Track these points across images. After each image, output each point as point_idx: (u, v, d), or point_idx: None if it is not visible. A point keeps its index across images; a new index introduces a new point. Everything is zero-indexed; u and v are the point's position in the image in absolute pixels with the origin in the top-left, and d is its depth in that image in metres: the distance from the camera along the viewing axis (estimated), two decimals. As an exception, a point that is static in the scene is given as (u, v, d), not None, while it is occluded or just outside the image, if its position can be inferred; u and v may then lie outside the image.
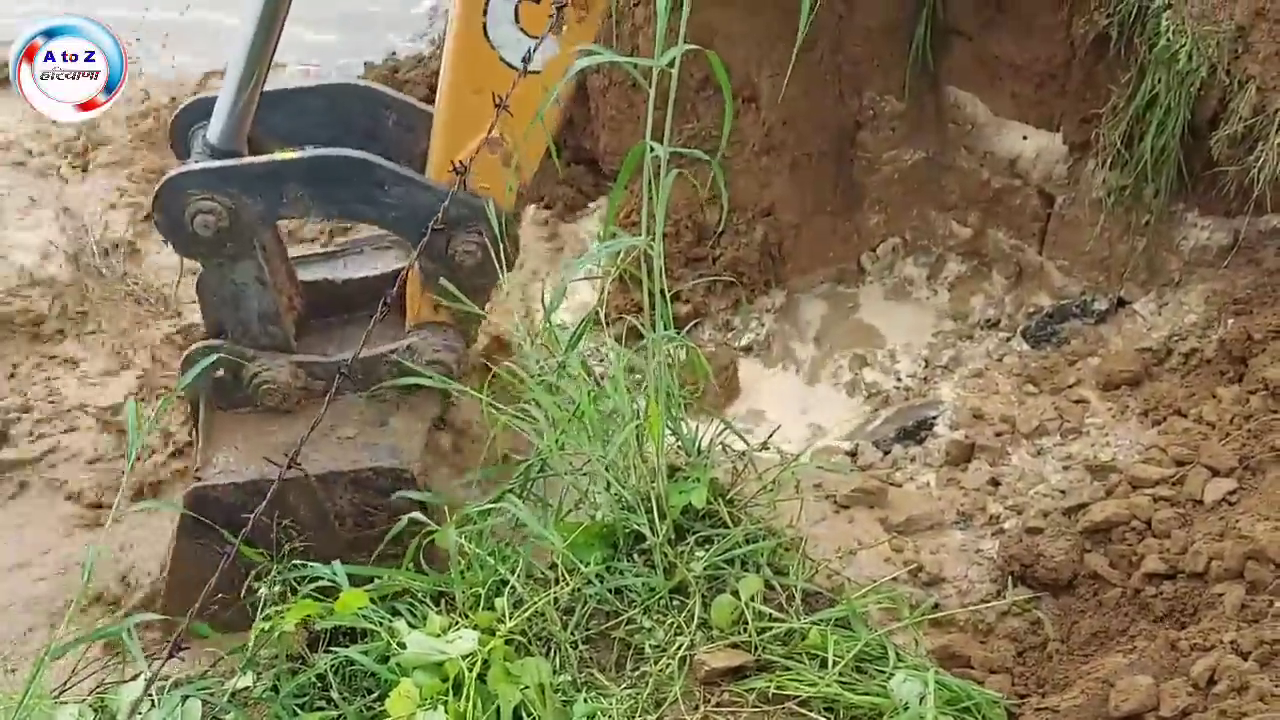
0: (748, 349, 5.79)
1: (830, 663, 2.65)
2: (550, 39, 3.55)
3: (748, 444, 3.36)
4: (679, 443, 3.22)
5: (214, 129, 3.80)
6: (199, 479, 3.77)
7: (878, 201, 5.93)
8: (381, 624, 2.88)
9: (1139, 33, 4.76)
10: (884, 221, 5.97)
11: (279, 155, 3.78)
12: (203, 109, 3.92)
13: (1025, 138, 5.55)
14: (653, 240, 2.96)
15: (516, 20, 3.59)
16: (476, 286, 3.86)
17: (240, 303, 3.84)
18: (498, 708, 2.62)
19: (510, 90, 3.44)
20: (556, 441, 3.18)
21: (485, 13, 3.57)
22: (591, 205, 6.32)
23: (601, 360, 3.43)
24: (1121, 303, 5.32)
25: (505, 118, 3.50)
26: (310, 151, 3.82)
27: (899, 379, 5.59)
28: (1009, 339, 5.59)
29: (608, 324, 3.33)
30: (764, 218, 5.80)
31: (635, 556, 3.02)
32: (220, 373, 3.86)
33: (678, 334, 3.13)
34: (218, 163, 3.72)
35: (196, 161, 3.77)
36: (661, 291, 3.04)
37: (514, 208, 3.88)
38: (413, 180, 3.74)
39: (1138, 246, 5.18)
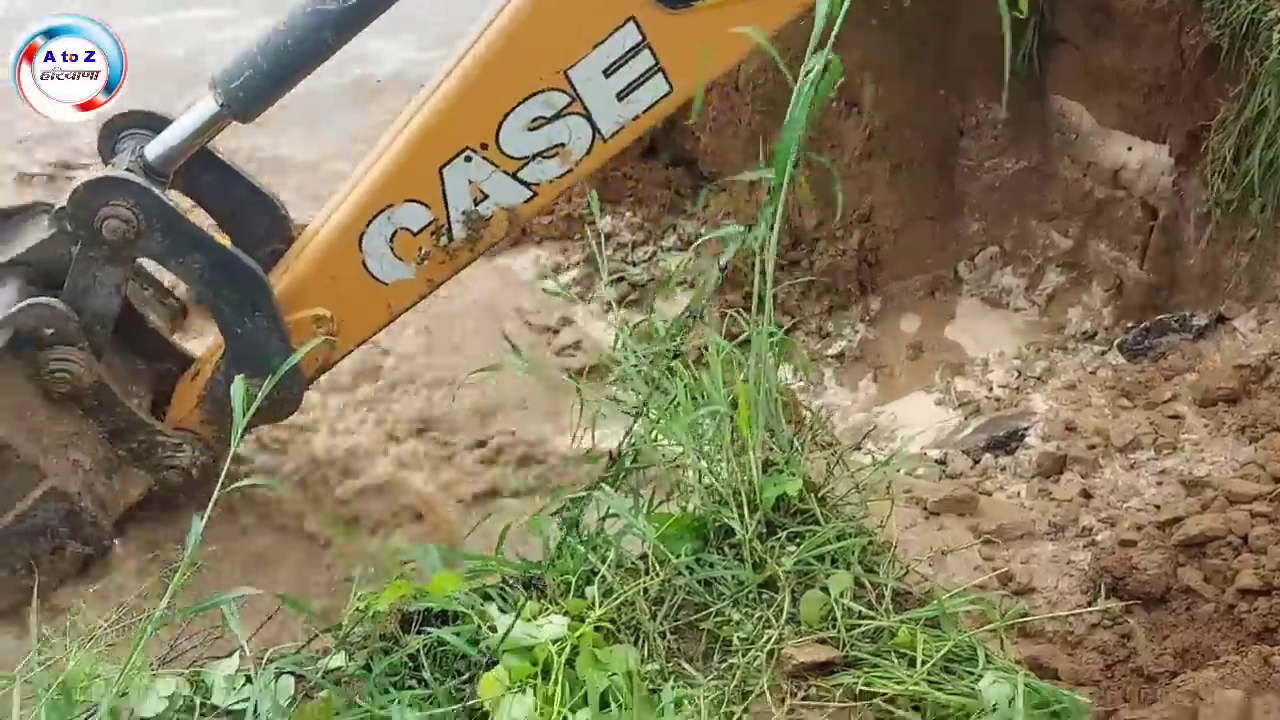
0: (840, 355, 5.77)
1: (919, 662, 2.64)
2: (411, 267, 4.07)
3: (839, 442, 3.36)
4: (773, 439, 3.22)
5: (156, 149, 4.00)
6: None
7: (978, 209, 5.90)
8: (473, 608, 2.90)
9: (1250, 45, 4.69)
10: (983, 229, 5.94)
11: (213, 234, 4.06)
12: (142, 120, 4.09)
13: (1130, 149, 5.49)
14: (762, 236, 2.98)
15: (390, 241, 4.02)
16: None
17: (90, 294, 3.97)
18: (585, 693, 2.64)
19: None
20: (651, 433, 3.20)
21: (367, 225, 4.00)
22: (689, 207, 6.34)
23: (699, 355, 3.44)
24: (1221, 319, 5.24)
25: (337, 297, 4.09)
26: (233, 249, 4.05)
27: (990, 388, 5.55)
28: (1104, 352, 5.53)
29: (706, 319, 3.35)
30: (862, 223, 5.79)
31: (725, 550, 3.02)
32: (48, 332, 3.93)
33: (778, 329, 3.14)
34: (160, 194, 3.90)
35: (129, 170, 3.93)
36: (766, 286, 3.05)
37: (311, 377, 4.33)
38: (278, 323, 4.04)
39: (1241, 262, 5.10)
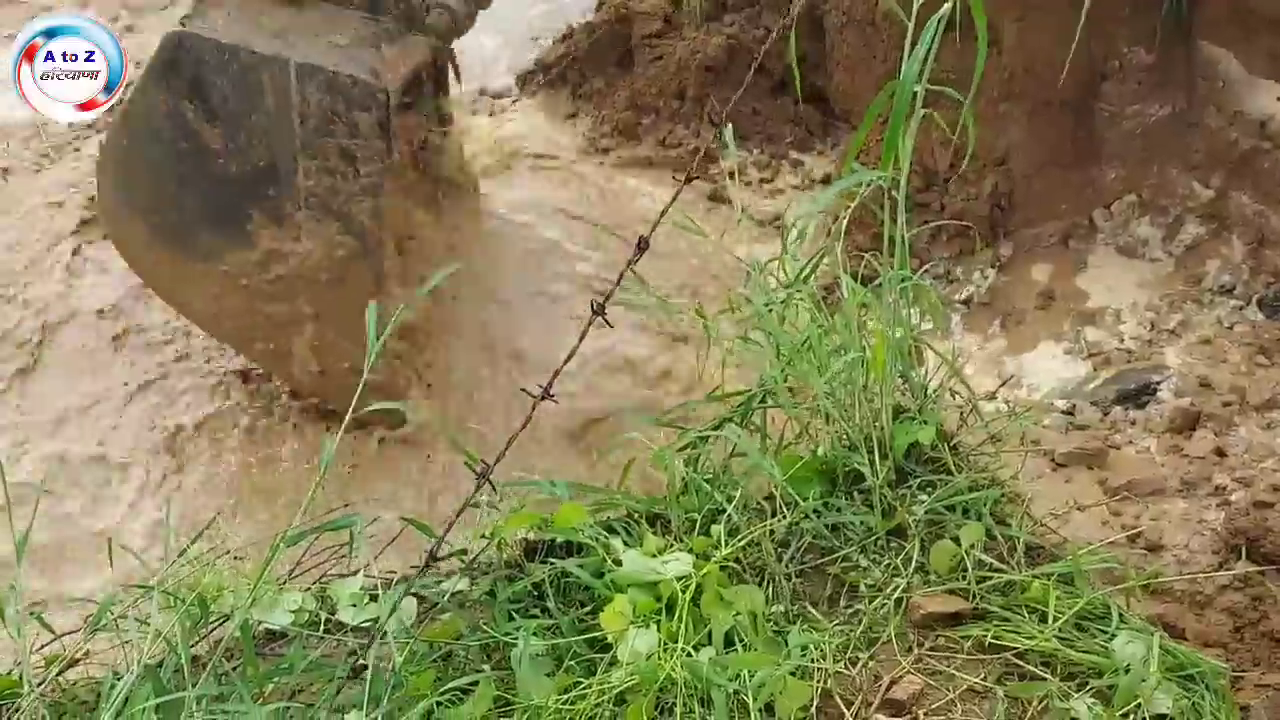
0: (968, 301, 5.68)
1: (1051, 618, 2.61)
2: None
3: (972, 392, 3.31)
4: (905, 384, 3.18)
5: None
6: (184, 24, 3.84)
7: (1117, 156, 5.74)
8: (597, 540, 2.91)
9: None
10: (1121, 177, 5.77)
11: None
12: None
13: (1279, 98, 5.31)
14: (895, 176, 2.93)
15: None
16: None
17: None
18: (709, 631, 2.64)
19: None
20: (781, 373, 3.18)
21: None
22: (818, 145, 6.27)
23: (829, 294, 3.41)
24: (1368, 278, 5.10)
25: None
26: None
27: (1122, 340, 5.43)
28: (1243, 307, 5.38)
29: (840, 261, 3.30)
30: (996, 167, 5.67)
31: (854, 495, 3.00)
32: None
33: (912, 274, 3.09)
34: None
35: None
36: (901, 231, 3.00)
37: None
38: None
39: (1391, 220, 4.94)
